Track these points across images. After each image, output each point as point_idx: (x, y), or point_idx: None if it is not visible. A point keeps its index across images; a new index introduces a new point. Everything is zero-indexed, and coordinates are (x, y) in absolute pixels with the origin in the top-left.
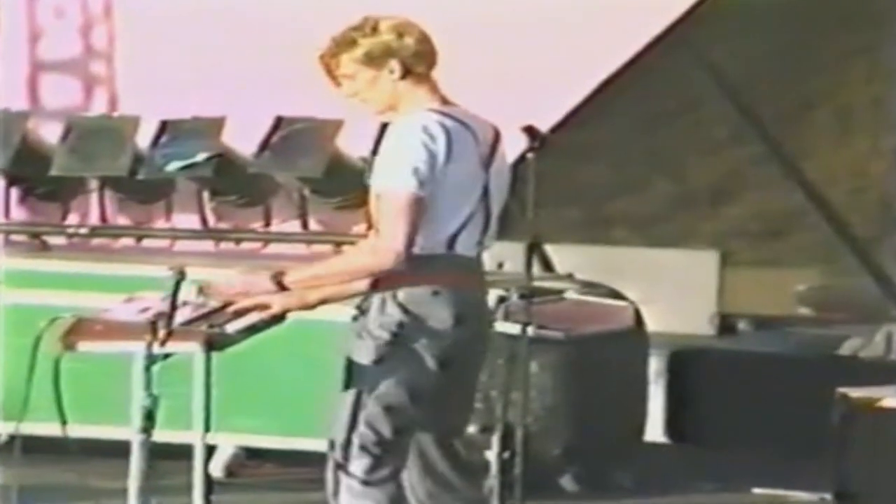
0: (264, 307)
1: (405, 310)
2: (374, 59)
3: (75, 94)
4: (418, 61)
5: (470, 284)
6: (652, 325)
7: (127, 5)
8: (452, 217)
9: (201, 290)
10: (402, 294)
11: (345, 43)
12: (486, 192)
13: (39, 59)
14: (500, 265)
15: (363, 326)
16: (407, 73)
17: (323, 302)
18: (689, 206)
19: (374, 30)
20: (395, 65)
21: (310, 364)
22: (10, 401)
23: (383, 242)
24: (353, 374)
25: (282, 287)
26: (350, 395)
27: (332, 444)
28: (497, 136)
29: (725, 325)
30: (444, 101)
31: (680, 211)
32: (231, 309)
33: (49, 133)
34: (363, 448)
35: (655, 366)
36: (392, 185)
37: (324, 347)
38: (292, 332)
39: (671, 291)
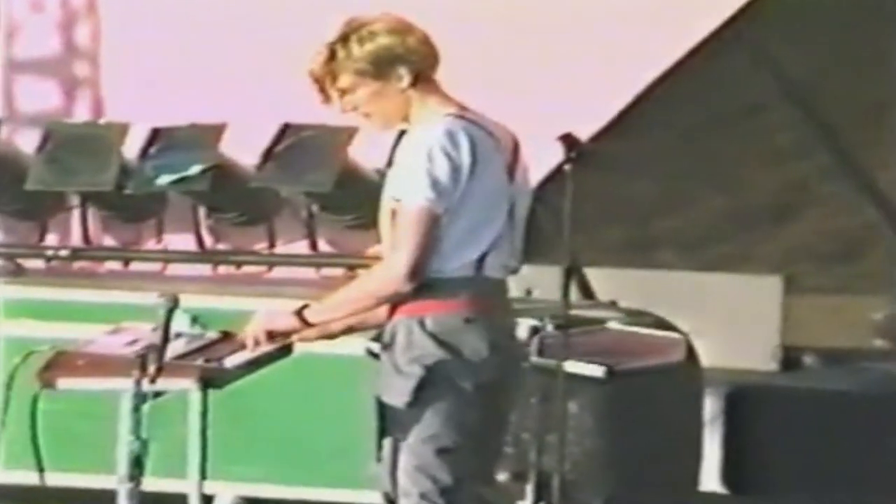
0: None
1: (437, 340)
2: (381, 68)
3: (55, 97)
4: (425, 64)
5: (501, 310)
6: (706, 359)
7: None
8: (481, 235)
9: (195, 320)
10: (430, 323)
11: (341, 54)
12: (511, 208)
13: (14, 58)
14: (529, 292)
15: (391, 361)
16: (416, 79)
17: (347, 331)
18: (746, 225)
19: (372, 34)
20: (403, 71)
21: (317, 404)
22: None
23: (396, 261)
24: (387, 416)
25: (305, 323)
26: (389, 441)
27: (387, 498)
28: (517, 146)
29: (789, 359)
30: (460, 107)
31: (736, 230)
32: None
33: (25, 142)
34: (425, 498)
35: (710, 405)
36: (407, 198)
37: (333, 385)
38: (297, 368)
39: (727, 321)
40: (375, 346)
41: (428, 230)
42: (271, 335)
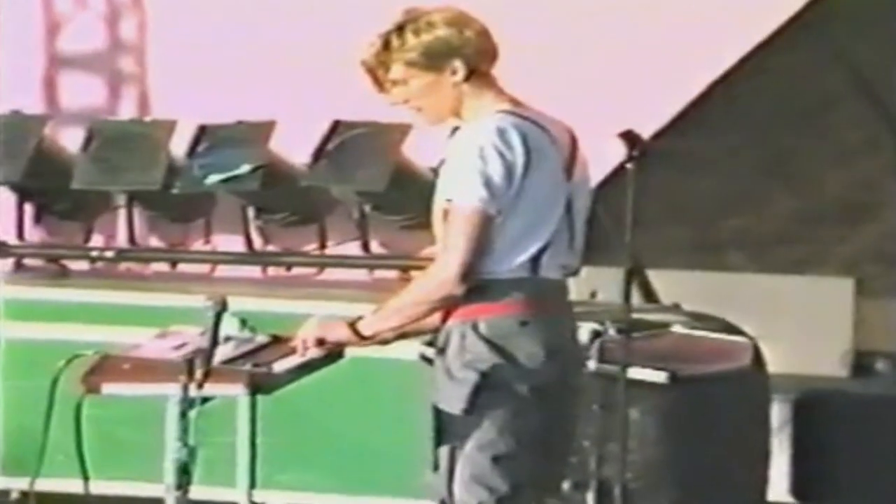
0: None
1: (491, 344)
2: (434, 60)
3: (99, 94)
4: (482, 58)
5: (559, 312)
6: (773, 365)
7: None
8: (536, 235)
9: (244, 323)
10: (484, 326)
11: (395, 43)
12: (569, 206)
13: (58, 53)
14: (594, 294)
15: (444, 367)
16: (471, 73)
17: (401, 337)
18: (816, 226)
19: (430, 25)
20: (458, 64)
21: (370, 409)
22: (21, 452)
23: (446, 263)
24: (443, 423)
25: (360, 336)
26: (445, 448)
27: None
28: (574, 141)
29: (861, 364)
30: (515, 103)
31: (806, 231)
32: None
33: (69, 140)
34: None
35: (778, 413)
36: (459, 198)
37: (386, 390)
38: (350, 373)
39: (796, 325)
40: (429, 351)
41: (481, 231)
42: (321, 343)
